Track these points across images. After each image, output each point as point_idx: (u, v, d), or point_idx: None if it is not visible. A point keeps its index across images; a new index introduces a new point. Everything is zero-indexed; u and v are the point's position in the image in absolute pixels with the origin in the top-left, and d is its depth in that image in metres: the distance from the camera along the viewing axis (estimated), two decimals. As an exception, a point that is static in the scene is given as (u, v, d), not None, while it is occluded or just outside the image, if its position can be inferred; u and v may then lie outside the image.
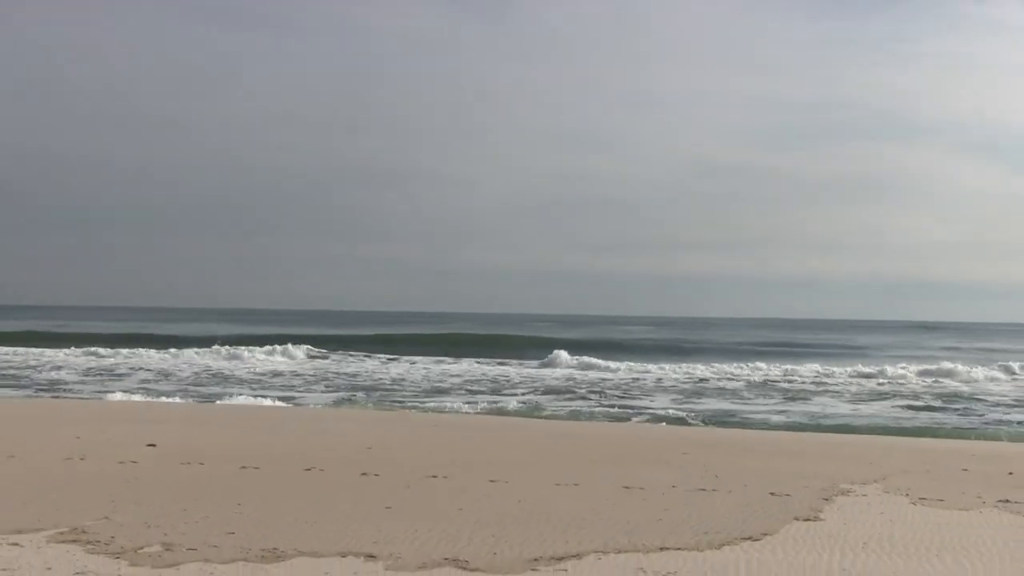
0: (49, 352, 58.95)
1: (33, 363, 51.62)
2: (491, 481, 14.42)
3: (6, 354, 59.31)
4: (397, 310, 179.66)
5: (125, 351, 60.22)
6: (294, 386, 40.60)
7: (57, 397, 33.28)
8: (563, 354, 57.70)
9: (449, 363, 54.31)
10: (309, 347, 61.32)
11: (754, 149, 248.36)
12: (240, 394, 36.51)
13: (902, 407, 34.23)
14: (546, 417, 29.52)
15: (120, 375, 45.25)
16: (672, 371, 49.47)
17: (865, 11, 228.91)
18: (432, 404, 33.84)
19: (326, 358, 57.10)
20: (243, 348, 60.73)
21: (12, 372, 45.94)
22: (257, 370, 48.66)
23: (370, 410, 30.64)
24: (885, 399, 37.23)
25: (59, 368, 49.18)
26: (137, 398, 33.33)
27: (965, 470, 16.40)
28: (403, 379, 44.54)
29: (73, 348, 61.31)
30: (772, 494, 13.61)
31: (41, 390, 37.45)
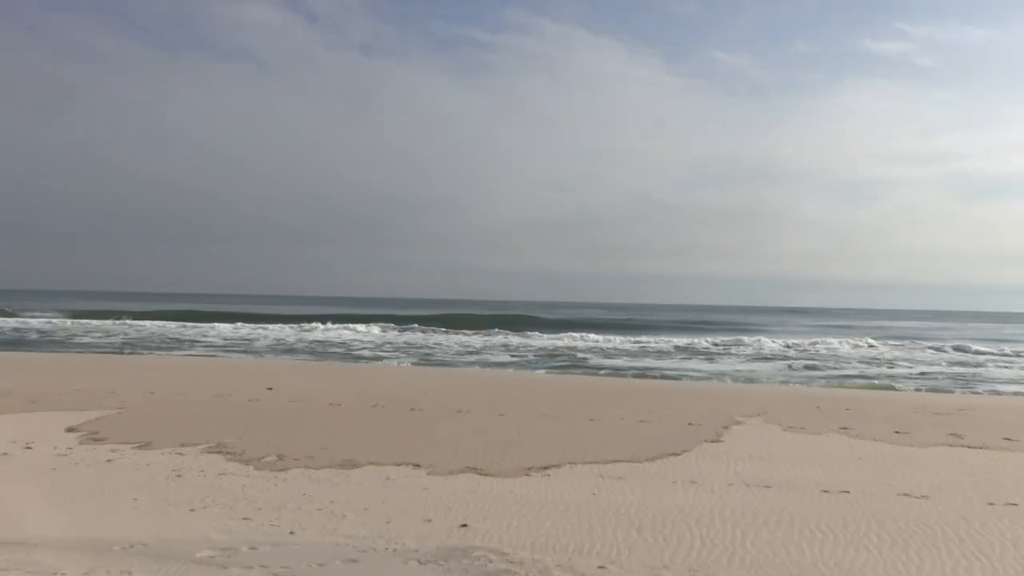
0: (220, 326, 57.81)
1: (196, 334, 50.67)
2: (500, 415, 14.60)
3: (196, 326, 57.74)
4: (437, 298, 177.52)
5: (251, 326, 58.91)
6: (371, 349, 40.18)
7: (211, 357, 33.10)
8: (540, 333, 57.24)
9: (470, 335, 53.85)
10: (383, 324, 60.41)
11: (674, 189, 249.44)
12: (335, 354, 36.19)
13: (780, 367, 34.20)
14: (535, 370, 29.45)
15: (251, 341, 44.72)
16: (622, 341, 49.19)
17: (750, 95, 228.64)
18: (461, 362, 33.71)
19: (395, 331, 56.25)
20: (341, 325, 59.78)
21: (186, 338, 45.27)
22: (346, 338, 48.10)
23: (419, 366, 30.47)
24: (768, 361, 37.21)
25: (206, 336, 48.47)
26: (263, 358, 33.02)
27: (818, 408, 16.60)
28: (440, 345, 44.15)
29: (228, 324, 60.18)
30: (689, 424, 13.89)
31: (200, 351, 37.19)
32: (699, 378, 28.82)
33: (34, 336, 45.15)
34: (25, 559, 6.90)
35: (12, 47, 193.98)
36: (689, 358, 38.35)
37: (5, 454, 10.98)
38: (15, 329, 50.11)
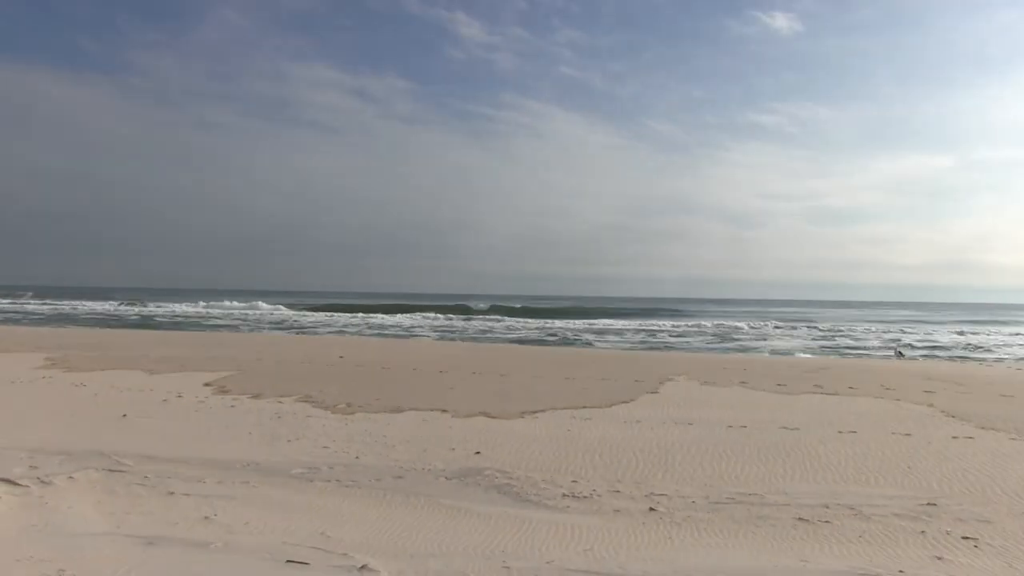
0: (312, 314, 57.90)
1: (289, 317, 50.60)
2: (502, 376, 14.63)
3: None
4: (457, 292, 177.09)
5: (326, 313, 58.71)
6: (406, 328, 40.32)
7: (301, 334, 33.22)
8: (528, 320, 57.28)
9: (495, 321, 53.83)
10: (436, 313, 59.97)
11: (626, 216, 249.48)
12: (388, 333, 36.18)
13: (704, 340, 34.24)
14: (530, 344, 29.51)
15: (329, 324, 44.62)
16: (587, 324, 49.22)
17: (673, 151, 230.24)
18: (484, 339, 33.75)
19: (446, 318, 56.10)
20: (389, 314, 59.71)
21: (284, 320, 45.63)
22: (389, 322, 48.07)
23: (444, 341, 30.49)
24: (695, 336, 37.23)
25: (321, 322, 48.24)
26: (342, 335, 33.07)
27: (724, 368, 16.62)
28: (465, 329, 44.18)
29: (322, 313, 60.25)
30: (636, 381, 13.93)
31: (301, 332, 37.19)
32: (643, 348, 28.90)
33: (211, 321, 45.20)
34: (174, 470, 7.00)
35: (166, 124, 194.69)
36: (636, 335, 38.40)
37: (165, 400, 11.03)
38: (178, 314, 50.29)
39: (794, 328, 46.02)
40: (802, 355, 25.80)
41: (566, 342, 32.44)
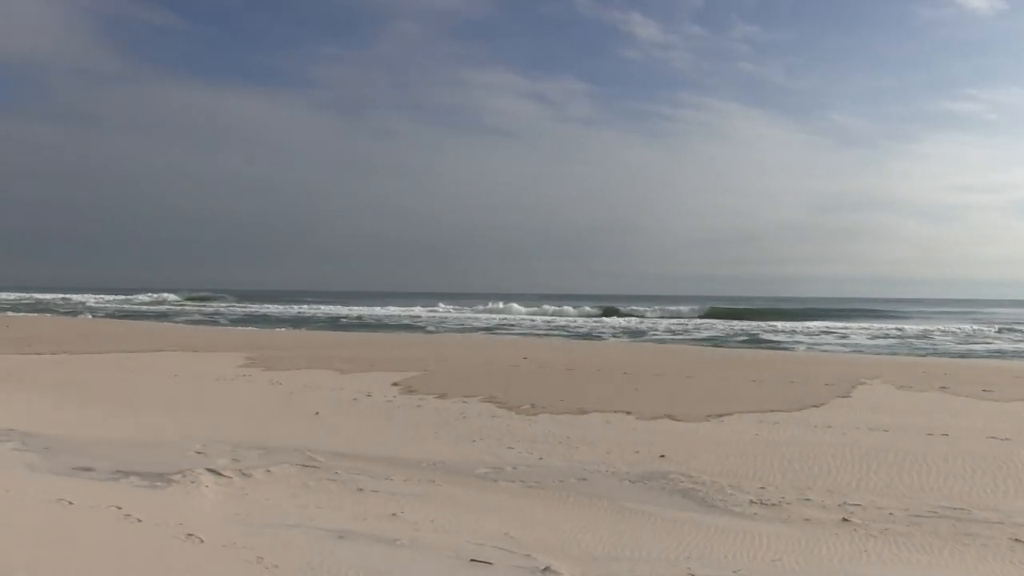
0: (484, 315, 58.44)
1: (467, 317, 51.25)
2: (687, 377, 14.42)
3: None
4: (627, 294, 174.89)
5: (510, 315, 59.33)
6: (588, 328, 39.96)
7: (479, 334, 33.73)
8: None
9: (604, 318, 52.81)
10: (617, 317, 59.07)
11: (806, 213, 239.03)
12: (574, 333, 36.01)
13: (897, 342, 32.34)
14: (713, 345, 28.74)
15: (512, 326, 44.97)
16: (770, 325, 47.41)
17: (857, 145, 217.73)
18: (667, 339, 33.28)
19: (625, 320, 55.36)
20: (567, 314, 59.69)
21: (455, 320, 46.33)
22: (565, 321, 47.68)
23: (630, 342, 30.15)
24: (886, 337, 35.23)
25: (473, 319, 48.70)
26: (523, 336, 33.35)
27: (923, 372, 15.64)
28: (648, 330, 43.48)
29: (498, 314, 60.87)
30: (826, 384, 13.31)
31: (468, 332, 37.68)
32: (832, 350, 27.67)
33: (401, 322, 46.96)
34: (364, 467, 7.25)
35: (345, 133, 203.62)
36: (825, 333, 36.76)
37: (355, 399, 11.47)
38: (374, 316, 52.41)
39: (1002, 331, 42.84)
40: (1013, 360, 23.96)
41: (750, 343, 31.43)
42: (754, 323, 48.04)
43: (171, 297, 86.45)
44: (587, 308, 65.76)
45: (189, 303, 77.37)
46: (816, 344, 30.94)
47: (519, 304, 69.58)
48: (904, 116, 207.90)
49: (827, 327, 43.84)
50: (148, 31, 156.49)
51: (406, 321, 48.43)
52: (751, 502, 6.25)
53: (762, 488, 6.64)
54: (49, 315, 47.17)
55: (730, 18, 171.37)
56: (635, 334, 37.54)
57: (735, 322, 49.60)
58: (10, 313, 46.91)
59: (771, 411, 10.62)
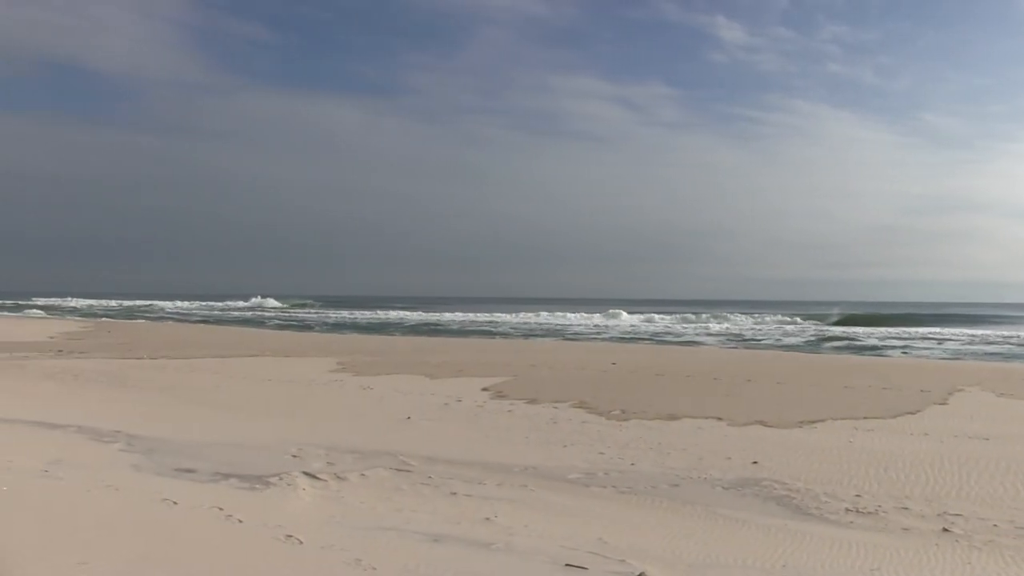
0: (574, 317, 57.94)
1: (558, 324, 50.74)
2: (777, 383, 14.17)
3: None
4: (719, 299, 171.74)
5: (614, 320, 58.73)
6: (677, 335, 39.38)
7: (569, 341, 33.56)
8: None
9: (711, 322, 51.74)
10: (715, 322, 58.04)
11: (897, 216, 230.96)
12: (665, 340, 35.67)
13: (998, 347, 31.11)
14: (803, 351, 28.15)
15: (603, 331, 44.49)
16: (863, 330, 46.15)
17: (952, 146, 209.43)
18: (755, 346, 32.65)
19: (716, 321, 54.56)
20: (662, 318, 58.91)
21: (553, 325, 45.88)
22: (676, 330, 47.16)
23: (719, 347, 29.70)
24: (985, 343, 33.75)
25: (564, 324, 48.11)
26: (611, 343, 33.09)
27: (1030, 380, 15.10)
28: (740, 334, 42.68)
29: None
30: (921, 391, 12.98)
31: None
32: (928, 356, 26.87)
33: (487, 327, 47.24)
34: (456, 472, 7.38)
35: (436, 139, 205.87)
36: (919, 339, 35.65)
37: (445, 404, 11.63)
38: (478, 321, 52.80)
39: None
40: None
41: (842, 349, 30.71)
42: (847, 328, 47.01)
43: (272, 303, 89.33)
44: (677, 313, 65.02)
45: (288, 309, 79.49)
46: (910, 349, 30.11)
47: (606, 308, 69.25)
48: (1003, 115, 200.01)
49: (921, 332, 42.48)
50: (241, 43, 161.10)
51: (487, 327, 48.68)
52: (847, 510, 6.16)
53: (858, 496, 6.54)
54: (144, 321, 48.77)
55: (817, 19, 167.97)
56: (723, 339, 36.95)
57: (825, 328, 48.60)
58: (104, 320, 48.72)
59: (865, 418, 10.41)
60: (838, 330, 45.30)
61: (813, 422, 10.07)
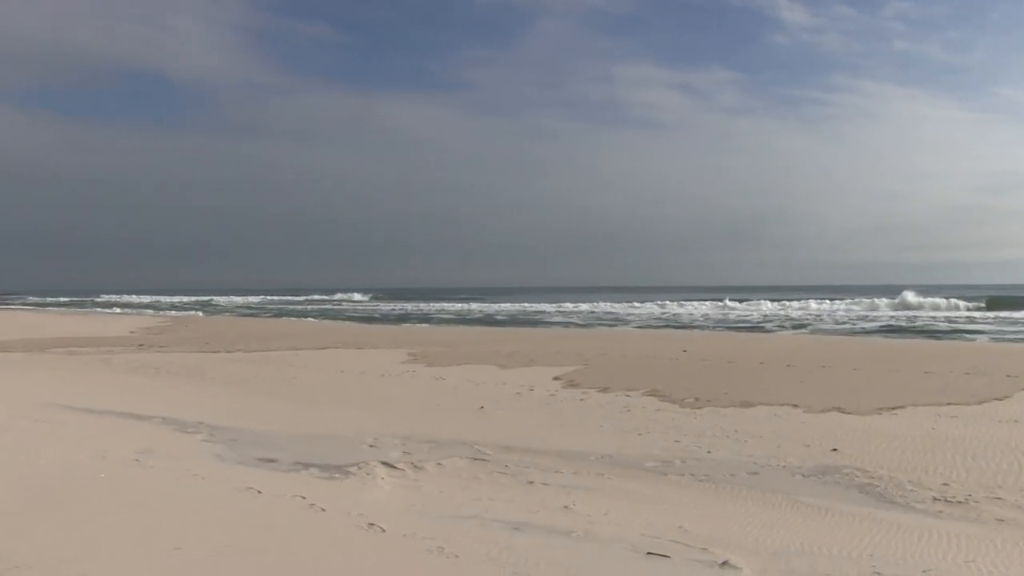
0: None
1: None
2: (853, 369, 13.80)
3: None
4: (789, 285, 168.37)
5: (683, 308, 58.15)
6: (756, 321, 38.65)
7: (644, 329, 33.24)
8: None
9: (781, 308, 50.52)
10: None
11: (975, 196, 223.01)
12: (737, 326, 34.96)
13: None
14: (876, 335, 27.38)
15: (677, 316, 44.09)
16: (939, 314, 44.81)
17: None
18: (833, 330, 31.87)
19: (780, 306, 53.41)
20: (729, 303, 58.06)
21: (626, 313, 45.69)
22: (751, 317, 46.23)
23: (794, 334, 29.12)
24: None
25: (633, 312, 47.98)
26: (682, 330, 32.74)
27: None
28: (769, 323, 41.64)
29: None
30: (1008, 376, 12.50)
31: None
32: (1015, 339, 25.94)
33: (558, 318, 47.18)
34: (532, 460, 7.35)
35: (502, 132, 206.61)
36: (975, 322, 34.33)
37: (518, 393, 11.61)
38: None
39: None
40: None
41: (920, 333, 29.74)
42: (923, 313, 45.70)
43: (357, 296, 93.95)
44: (749, 300, 63.95)
45: (367, 303, 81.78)
46: (998, 333, 28.98)
47: (673, 297, 68.55)
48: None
49: (1005, 316, 40.96)
50: (305, 43, 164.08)
51: (558, 317, 48.48)
52: (934, 499, 5.94)
53: (945, 485, 6.30)
54: (222, 316, 49.84)
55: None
56: (797, 325, 36.08)
57: (903, 312, 47.24)
58: (173, 313, 49.98)
59: (948, 404, 10.05)
60: (912, 313, 44.19)
61: (893, 408, 9.76)
